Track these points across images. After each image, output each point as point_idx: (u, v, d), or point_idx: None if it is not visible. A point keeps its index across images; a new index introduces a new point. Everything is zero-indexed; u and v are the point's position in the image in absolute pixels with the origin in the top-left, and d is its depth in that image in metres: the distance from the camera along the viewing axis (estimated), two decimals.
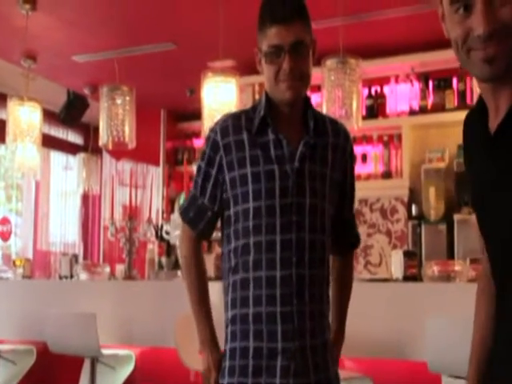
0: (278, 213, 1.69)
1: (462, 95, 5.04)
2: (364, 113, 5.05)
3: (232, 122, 1.77)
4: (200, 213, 1.81)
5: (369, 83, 5.26)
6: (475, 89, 3.54)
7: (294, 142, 1.75)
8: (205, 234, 1.84)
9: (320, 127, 1.79)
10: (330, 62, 4.03)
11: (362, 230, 5.31)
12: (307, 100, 1.82)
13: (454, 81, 5.11)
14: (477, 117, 1.29)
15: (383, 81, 5.39)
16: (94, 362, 3.64)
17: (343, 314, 1.92)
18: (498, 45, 1.14)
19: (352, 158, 1.89)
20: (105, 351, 3.58)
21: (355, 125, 4.05)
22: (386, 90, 5.38)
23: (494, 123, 1.23)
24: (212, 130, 1.81)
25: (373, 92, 5.37)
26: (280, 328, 1.67)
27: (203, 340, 1.79)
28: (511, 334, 1.19)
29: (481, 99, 1.28)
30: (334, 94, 4.01)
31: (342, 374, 1.88)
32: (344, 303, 1.93)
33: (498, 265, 1.24)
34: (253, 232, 1.70)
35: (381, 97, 5.37)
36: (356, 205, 5.34)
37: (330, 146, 1.80)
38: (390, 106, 5.34)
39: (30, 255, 6.65)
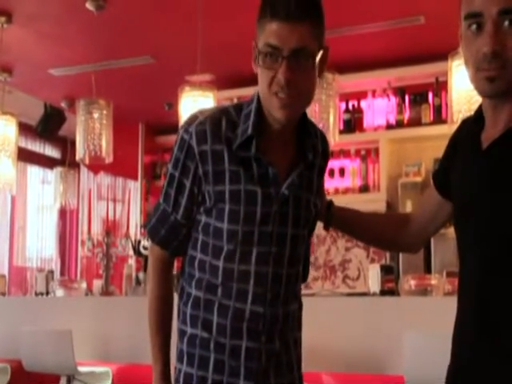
0: (256, 241, 1.46)
1: (437, 110, 5.10)
2: (341, 127, 5.08)
3: (211, 128, 1.47)
4: (173, 231, 1.55)
5: (346, 98, 5.30)
6: (450, 104, 3.58)
7: (281, 162, 1.50)
8: (178, 253, 1.59)
9: (316, 152, 1.58)
10: None
11: (341, 244, 5.32)
12: (304, 116, 1.55)
13: (430, 95, 5.16)
14: (472, 126, 1.41)
15: (360, 95, 5.43)
16: (71, 379, 3.59)
17: None
18: (501, 68, 1.26)
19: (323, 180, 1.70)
20: (81, 368, 3.53)
21: (332, 139, 4.07)
22: (363, 104, 5.43)
23: (488, 135, 1.35)
24: (186, 130, 1.49)
25: (350, 106, 5.41)
26: (243, 364, 1.47)
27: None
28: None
29: (480, 110, 1.40)
30: (310, 108, 3.98)
31: None
32: None
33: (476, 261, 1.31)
34: (224, 257, 1.48)
35: (358, 111, 5.41)
36: None
37: (317, 169, 1.59)
38: (367, 121, 5.38)
39: (6, 271, 6.55)
